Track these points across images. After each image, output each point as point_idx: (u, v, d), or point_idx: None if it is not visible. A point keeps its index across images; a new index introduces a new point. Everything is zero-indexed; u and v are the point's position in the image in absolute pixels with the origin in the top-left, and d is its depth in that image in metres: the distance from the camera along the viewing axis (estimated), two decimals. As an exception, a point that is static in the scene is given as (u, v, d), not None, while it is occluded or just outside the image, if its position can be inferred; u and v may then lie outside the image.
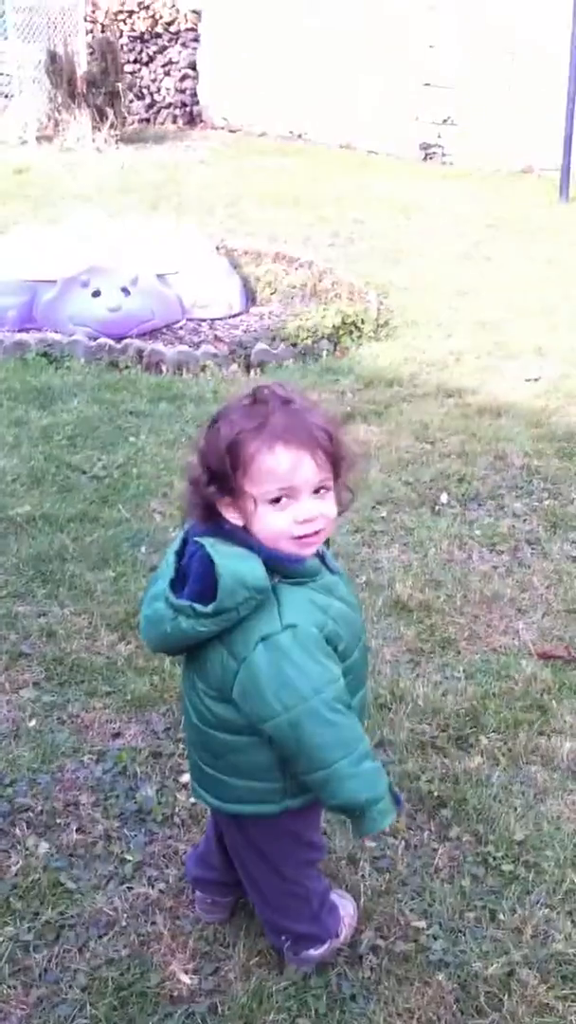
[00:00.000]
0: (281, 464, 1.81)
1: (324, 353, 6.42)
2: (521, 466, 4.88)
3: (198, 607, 1.84)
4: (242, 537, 1.87)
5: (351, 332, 6.69)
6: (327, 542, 2.00)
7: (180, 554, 1.95)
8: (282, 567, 1.88)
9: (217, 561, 1.82)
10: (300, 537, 1.87)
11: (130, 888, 2.52)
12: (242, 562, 1.83)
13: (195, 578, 1.88)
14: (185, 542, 1.95)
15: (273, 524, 1.84)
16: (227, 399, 1.93)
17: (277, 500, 1.84)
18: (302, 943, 2.26)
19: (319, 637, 1.89)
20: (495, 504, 4.56)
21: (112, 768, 2.93)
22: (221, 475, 1.84)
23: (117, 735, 3.08)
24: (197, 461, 1.89)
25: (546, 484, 4.72)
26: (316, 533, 1.89)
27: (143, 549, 4.08)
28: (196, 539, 1.89)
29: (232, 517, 1.88)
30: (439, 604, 3.76)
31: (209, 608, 1.83)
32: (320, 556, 1.98)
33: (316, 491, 1.86)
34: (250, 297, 7.62)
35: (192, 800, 2.79)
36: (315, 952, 2.27)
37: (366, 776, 1.95)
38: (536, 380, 5.99)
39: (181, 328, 6.99)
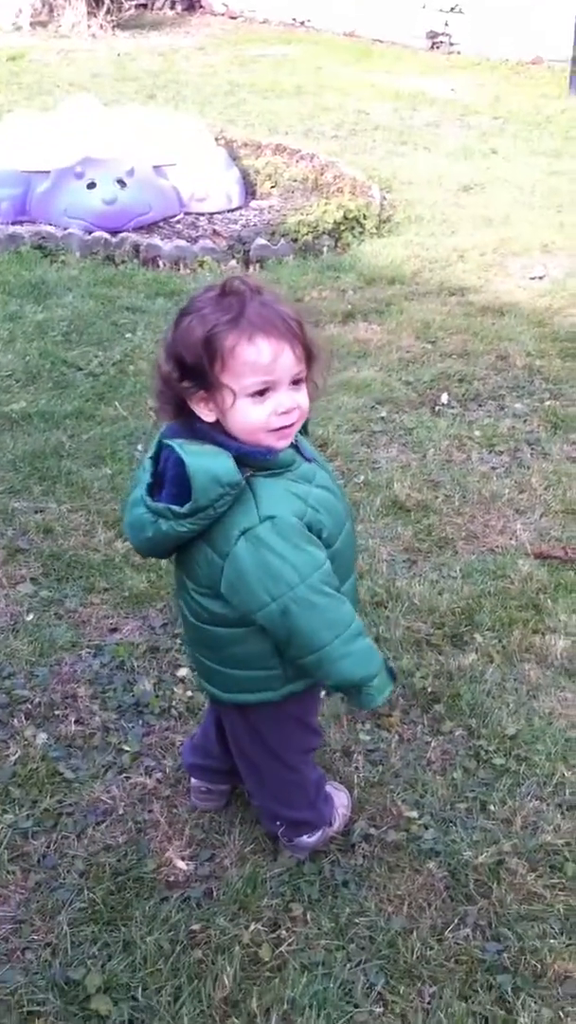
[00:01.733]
0: (263, 355, 1.79)
1: (325, 249, 6.30)
2: (523, 366, 4.83)
3: (175, 508, 1.83)
4: (212, 435, 1.85)
5: (353, 228, 6.55)
6: (304, 430, 1.99)
7: (156, 459, 1.93)
8: (254, 460, 1.86)
9: (187, 460, 1.80)
10: (278, 430, 1.85)
11: (128, 778, 2.56)
12: (213, 459, 1.81)
13: (170, 481, 1.86)
14: (160, 446, 1.94)
15: (252, 417, 1.82)
16: (192, 293, 1.88)
17: (259, 393, 1.82)
18: (297, 829, 2.31)
19: (299, 525, 1.88)
20: (496, 405, 4.52)
21: (110, 662, 2.95)
22: (196, 370, 1.81)
23: (114, 630, 3.10)
24: (167, 357, 1.85)
25: (548, 385, 4.67)
26: (291, 425, 1.87)
27: (140, 447, 4.06)
28: (166, 441, 1.87)
29: (204, 413, 1.86)
30: (437, 504, 3.75)
31: (185, 508, 1.83)
32: (295, 446, 1.96)
33: (293, 383, 1.85)
34: (249, 190, 7.44)
35: (189, 693, 2.83)
36: (309, 839, 2.31)
37: (360, 654, 1.97)
38: (541, 279, 5.89)
39: (179, 222, 6.83)
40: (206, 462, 1.80)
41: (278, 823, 2.30)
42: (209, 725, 2.39)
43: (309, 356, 1.87)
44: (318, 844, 2.34)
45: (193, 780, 2.47)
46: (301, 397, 1.87)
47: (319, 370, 1.90)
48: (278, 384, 1.82)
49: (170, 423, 1.92)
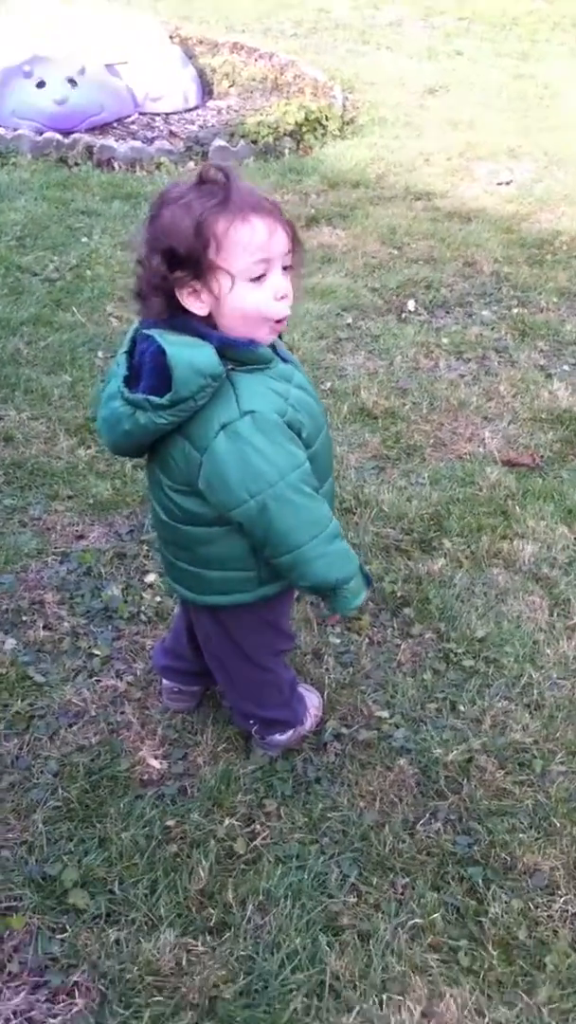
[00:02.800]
0: (259, 233, 1.74)
1: (287, 151, 6.16)
2: (491, 273, 4.78)
3: (154, 399, 1.79)
4: (194, 327, 1.81)
5: (315, 129, 6.40)
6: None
7: (131, 354, 1.88)
8: (236, 353, 1.82)
9: (169, 351, 1.76)
10: (277, 321, 1.81)
11: (98, 681, 2.55)
12: (195, 350, 1.77)
13: (149, 373, 1.81)
14: (135, 341, 1.88)
15: (252, 302, 1.78)
16: (162, 189, 1.82)
17: (257, 278, 1.77)
18: (270, 728, 2.32)
19: (280, 422, 1.85)
20: (463, 312, 4.48)
21: (77, 568, 2.92)
22: (190, 259, 1.75)
23: (81, 537, 3.07)
24: (152, 251, 1.79)
25: (515, 292, 4.63)
26: (285, 318, 1.84)
27: (100, 354, 3.98)
28: (146, 332, 1.82)
29: (196, 306, 1.81)
30: (404, 412, 3.73)
31: (165, 399, 1.78)
32: (272, 345, 1.92)
33: (283, 269, 1.80)
34: (206, 90, 7.23)
35: (158, 599, 2.81)
36: (281, 737, 2.33)
37: (336, 556, 1.96)
38: (508, 184, 5.81)
39: (133, 123, 6.64)
40: (188, 352, 1.76)
41: (251, 721, 2.32)
42: (180, 627, 2.38)
43: (294, 241, 1.82)
44: (290, 742, 2.36)
45: (164, 681, 2.47)
46: (290, 286, 1.83)
47: (301, 259, 1.85)
48: (273, 264, 1.78)
49: (147, 318, 1.86)
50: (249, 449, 1.81)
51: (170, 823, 2.17)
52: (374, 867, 2.13)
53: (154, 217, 1.78)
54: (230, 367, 1.81)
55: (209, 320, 1.81)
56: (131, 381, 1.85)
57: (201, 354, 1.76)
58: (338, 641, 2.71)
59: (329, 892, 2.07)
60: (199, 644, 2.28)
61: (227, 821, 2.19)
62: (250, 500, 1.84)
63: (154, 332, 1.78)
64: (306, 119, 6.37)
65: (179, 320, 1.81)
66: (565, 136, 6.57)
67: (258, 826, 2.20)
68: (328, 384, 3.86)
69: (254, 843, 2.16)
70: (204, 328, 1.80)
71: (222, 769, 2.30)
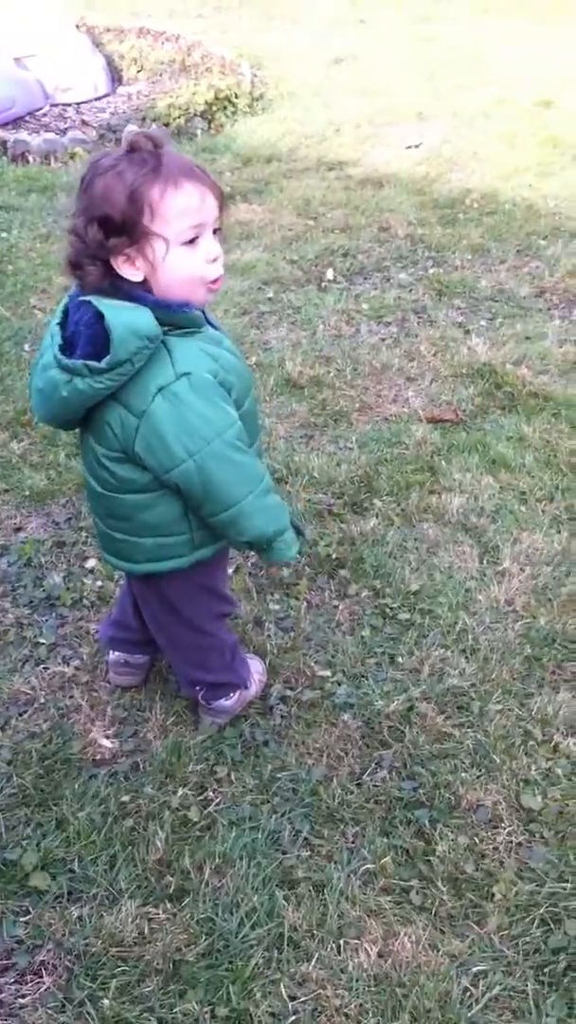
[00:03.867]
0: (192, 199, 1.79)
1: (199, 132, 6.18)
2: (405, 236, 4.84)
3: (92, 364, 1.82)
4: (129, 292, 1.85)
5: (225, 108, 6.42)
6: None
7: (63, 325, 1.92)
8: (170, 316, 1.87)
9: (107, 313, 1.78)
10: (213, 282, 1.87)
11: (46, 668, 2.60)
12: (132, 313, 1.82)
13: (85, 341, 1.83)
14: (67, 312, 1.92)
15: (187, 266, 1.83)
16: (90, 159, 1.85)
17: (191, 241, 1.82)
18: (216, 691, 2.38)
19: (214, 383, 1.91)
20: (381, 276, 4.54)
21: (17, 560, 2.96)
22: (125, 226, 1.79)
23: (19, 529, 3.10)
24: (88, 221, 1.80)
25: (431, 252, 4.70)
26: (220, 278, 1.90)
27: (26, 347, 4.00)
28: (83, 298, 1.86)
29: (131, 272, 1.85)
30: (329, 379, 3.79)
31: (103, 363, 1.80)
32: (202, 312, 1.97)
33: (214, 232, 1.87)
34: (115, 77, 7.22)
35: (100, 583, 2.86)
36: (228, 702, 2.40)
37: (271, 510, 2.03)
38: (417, 147, 5.87)
39: (45, 115, 6.61)
40: (125, 315, 1.80)
41: (197, 688, 2.37)
42: (125, 597, 2.43)
43: (222, 204, 1.89)
44: (236, 707, 2.42)
45: (112, 655, 2.52)
46: (220, 248, 1.89)
47: (226, 219, 1.92)
48: (205, 228, 1.84)
49: (83, 288, 1.90)
50: (185, 408, 1.86)
51: (125, 799, 2.23)
52: (324, 820, 2.20)
53: (87, 187, 1.81)
54: (165, 330, 1.86)
55: (144, 286, 1.85)
56: (65, 351, 1.89)
57: (139, 316, 1.80)
58: (278, 607, 2.77)
59: (283, 848, 2.14)
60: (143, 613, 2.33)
61: (180, 791, 2.25)
62: (188, 460, 1.89)
63: (91, 298, 1.82)
64: (216, 98, 6.39)
65: (114, 287, 1.85)
66: (471, 95, 6.64)
67: (211, 793, 2.26)
68: (253, 358, 3.91)
69: (208, 810, 2.22)
70: (139, 292, 1.84)
71: (172, 742, 2.36)
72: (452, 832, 2.17)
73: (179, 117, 6.18)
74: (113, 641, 2.49)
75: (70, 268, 1.86)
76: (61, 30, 7.09)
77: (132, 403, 1.88)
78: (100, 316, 1.80)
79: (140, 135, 1.83)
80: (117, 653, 2.51)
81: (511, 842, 2.16)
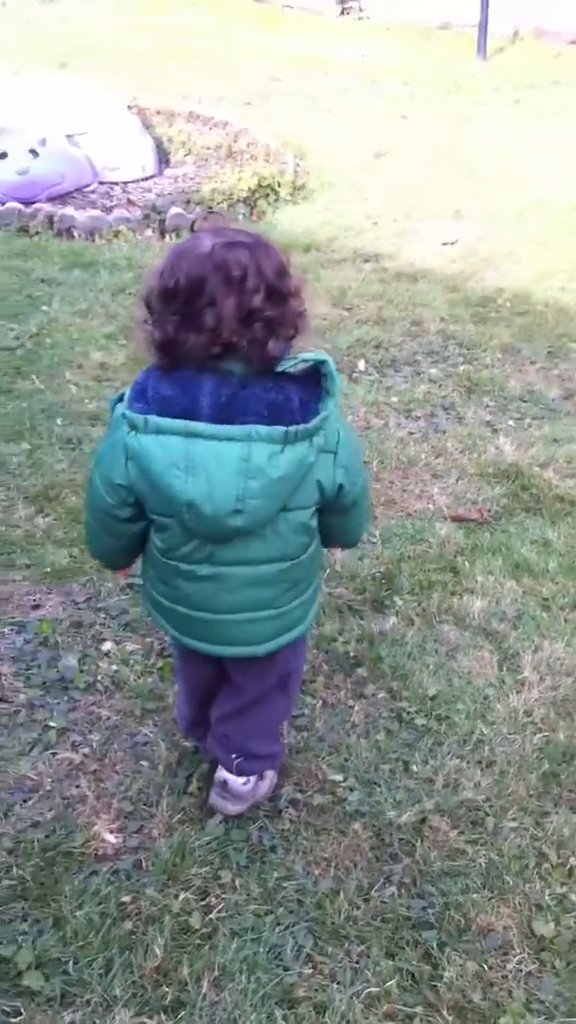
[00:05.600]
0: None
1: (240, 217, 6.27)
2: (437, 331, 4.88)
3: (313, 420, 1.89)
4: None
5: (267, 195, 6.54)
6: None
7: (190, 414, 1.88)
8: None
9: (327, 359, 1.89)
10: None
11: (54, 754, 2.56)
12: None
13: (264, 405, 1.86)
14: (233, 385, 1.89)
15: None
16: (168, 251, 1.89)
17: None
18: (260, 763, 2.39)
19: None
20: (412, 370, 4.57)
21: (33, 639, 2.94)
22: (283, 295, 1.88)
23: (37, 606, 3.08)
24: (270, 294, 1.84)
25: (462, 349, 4.73)
26: None
27: (59, 421, 4.02)
28: (309, 357, 1.89)
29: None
30: (356, 471, 3.78)
31: (327, 406, 1.91)
32: None
33: None
34: (163, 159, 7.37)
35: (114, 667, 2.83)
36: (264, 783, 2.43)
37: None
38: (453, 244, 5.95)
39: (93, 192, 6.75)
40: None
41: (236, 756, 2.34)
42: (195, 693, 2.42)
43: None
44: (267, 792, 2.45)
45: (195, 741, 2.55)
46: None
47: None
48: None
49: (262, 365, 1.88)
50: (344, 422, 2.02)
51: (125, 899, 2.17)
52: (329, 936, 2.14)
53: (269, 253, 1.86)
54: None
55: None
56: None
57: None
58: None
59: (284, 964, 2.07)
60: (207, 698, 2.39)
61: (182, 895, 2.19)
62: (364, 470, 2.11)
63: (301, 356, 1.89)
64: (259, 185, 6.51)
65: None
66: (508, 195, 6.75)
67: (213, 899, 2.20)
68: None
69: (209, 916, 2.16)
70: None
71: (177, 841, 2.30)
72: (461, 957, 2.10)
73: (222, 202, 6.30)
74: (191, 729, 2.53)
75: (253, 348, 1.85)
76: (113, 110, 7.28)
77: (327, 438, 1.95)
78: (274, 385, 1.87)
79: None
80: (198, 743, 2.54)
81: (521, 971, 2.08)
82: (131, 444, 1.90)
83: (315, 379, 1.92)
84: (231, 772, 2.35)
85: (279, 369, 1.88)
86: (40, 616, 3.03)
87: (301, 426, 1.87)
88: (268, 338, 1.84)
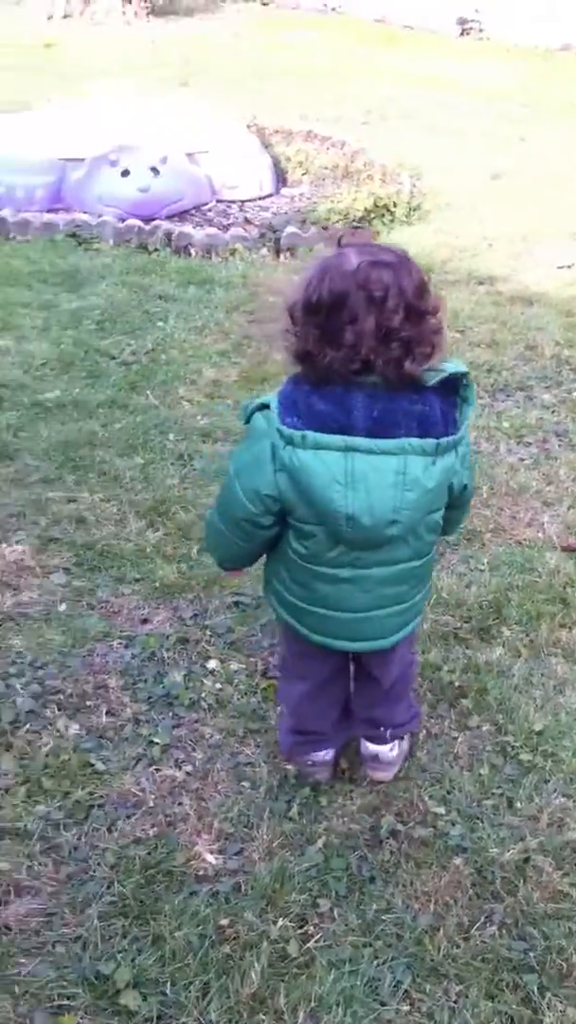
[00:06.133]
0: None
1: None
2: (551, 356, 4.81)
3: (458, 430, 1.99)
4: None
5: (383, 215, 6.53)
6: None
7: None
8: None
9: (463, 370, 1.97)
10: None
11: (158, 770, 2.58)
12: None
13: (413, 418, 1.95)
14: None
15: None
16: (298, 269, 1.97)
17: None
18: (409, 725, 2.59)
19: None
20: (524, 395, 4.51)
21: (140, 653, 2.97)
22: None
23: (145, 621, 3.12)
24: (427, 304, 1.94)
25: (576, 375, 4.65)
26: None
27: (171, 436, 4.08)
28: (451, 370, 1.97)
29: None
30: (465, 498, 3.74)
31: (468, 407, 2.00)
32: None
33: None
34: (280, 178, 7.43)
35: (219, 685, 2.84)
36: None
37: None
38: (569, 267, 5.86)
39: (210, 210, 6.84)
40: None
41: (385, 728, 2.52)
42: (315, 702, 2.49)
43: None
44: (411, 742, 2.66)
45: (300, 758, 2.57)
46: None
47: None
48: None
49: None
50: None
51: (224, 922, 2.18)
52: (428, 973, 2.11)
53: (410, 272, 1.94)
54: None
55: None
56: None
57: None
58: (396, 734, 2.70)
59: (382, 999, 2.05)
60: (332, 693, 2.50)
61: (280, 922, 2.18)
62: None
63: (443, 367, 1.96)
64: (375, 205, 6.51)
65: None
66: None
67: (311, 928, 2.19)
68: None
69: (307, 945, 2.15)
70: None
71: (277, 866, 2.30)
72: (561, 1003, 2.05)
73: (338, 221, 6.31)
74: (296, 747, 2.56)
75: (405, 361, 1.93)
76: (233, 129, 7.37)
77: (460, 444, 2.04)
78: (419, 397, 1.95)
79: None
80: (304, 757, 2.56)
81: (624, 1024, 2.02)
82: (286, 458, 1.98)
83: (451, 388, 1.99)
84: (384, 743, 2.52)
85: (428, 383, 1.94)
86: (148, 631, 3.07)
87: (450, 438, 1.97)
88: (405, 357, 1.90)
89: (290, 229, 6.24)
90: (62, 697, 2.80)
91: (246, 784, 2.55)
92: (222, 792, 2.52)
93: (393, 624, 2.27)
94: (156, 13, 13.66)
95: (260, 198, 7.06)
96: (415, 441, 1.94)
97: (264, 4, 14.89)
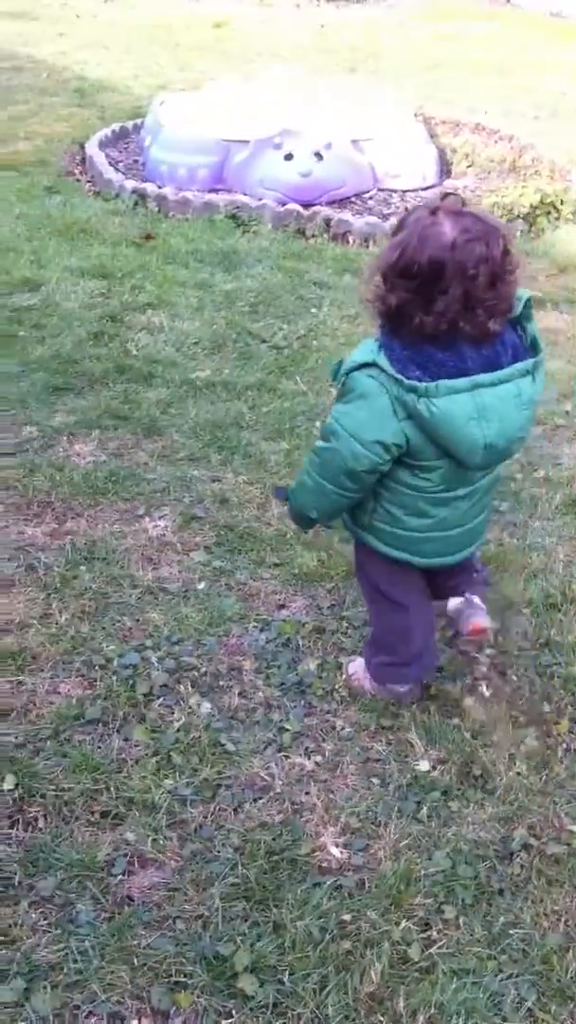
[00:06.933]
0: None
1: (519, 233, 6.13)
2: None
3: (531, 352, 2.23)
4: None
5: (549, 213, 6.36)
6: None
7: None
8: None
9: (527, 294, 2.21)
10: None
11: (287, 756, 2.55)
12: None
13: (509, 347, 2.19)
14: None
15: None
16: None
17: None
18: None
19: None
20: None
21: (276, 638, 2.95)
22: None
23: (282, 606, 3.10)
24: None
25: None
26: None
27: (317, 424, 4.04)
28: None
29: None
30: (621, 506, 3.60)
31: (530, 324, 2.24)
32: None
33: None
34: (445, 169, 7.30)
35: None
36: None
37: None
38: None
39: (371, 198, 6.77)
40: None
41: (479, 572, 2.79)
42: (424, 618, 2.69)
43: None
44: None
45: (400, 688, 2.72)
46: None
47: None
48: None
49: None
50: None
51: (345, 917, 2.13)
52: (554, 993, 2.02)
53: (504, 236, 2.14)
54: None
55: None
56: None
57: None
58: (535, 744, 2.61)
59: (504, 1015, 1.98)
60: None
61: (403, 923, 2.13)
62: None
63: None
64: (541, 202, 6.34)
65: None
66: None
67: (435, 933, 2.13)
68: (541, 472, 3.79)
69: (430, 951, 2.09)
70: None
71: (403, 867, 2.24)
72: None
73: (502, 216, 6.16)
74: (388, 672, 2.72)
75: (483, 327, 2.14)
76: (400, 118, 7.27)
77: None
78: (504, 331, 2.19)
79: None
80: (397, 683, 2.73)
81: None
82: (422, 408, 2.15)
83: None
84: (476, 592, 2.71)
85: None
86: (284, 617, 3.04)
87: (540, 355, 2.23)
88: (488, 320, 2.12)
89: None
90: (196, 675, 2.80)
91: (375, 780, 2.50)
92: (350, 786, 2.48)
93: (485, 527, 2.62)
94: (327, -2, 13.69)
95: (423, 189, 6.94)
96: (519, 365, 2.18)
97: (438, -6, 14.71)
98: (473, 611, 2.66)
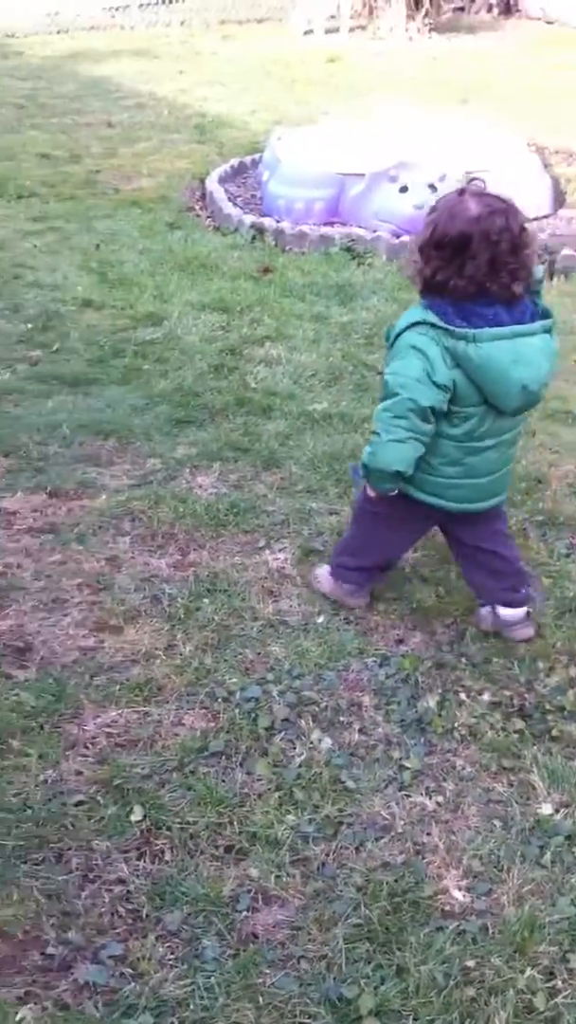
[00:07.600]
0: None
1: None
2: None
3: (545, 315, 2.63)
4: None
5: None
6: None
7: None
8: None
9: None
10: None
11: (407, 796, 2.55)
12: None
13: (530, 308, 2.60)
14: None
15: None
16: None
17: None
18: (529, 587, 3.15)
19: None
20: None
21: (395, 673, 2.95)
22: None
23: (400, 641, 3.10)
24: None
25: None
26: None
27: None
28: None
29: None
30: None
31: (539, 297, 2.64)
32: None
33: None
34: (559, 199, 7.23)
35: (473, 719, 2.78)
36: None
37: None
38: None
39: (485, 229, 6.73)
40: None
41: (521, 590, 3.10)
42: (413, 540, 3.23)
43: None
44: None
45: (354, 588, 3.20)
46: None
47: None
48: None
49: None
50: None
51: (469, 963, 2.11)
52: None
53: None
54: None
55: None
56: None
57: None
58: None
59: (633, 1071, 1.94)
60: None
61: (528, 971, 2.10)
62: None
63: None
64: None
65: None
66: None
67: (560, 982, 2.09)
68: None
69: (555, 1000, 2.06)
70: None
71: (527, 914, 2.22)
72: None
73: (618, 245, 6.10)
74: (352, 574, 3.19)
75: (508, 288, 2.54)
76: (514, 148, 7.24)
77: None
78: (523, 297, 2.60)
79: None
80: (361, 586, 3.21)
81: None
82: (470, 352, 2.53)
83: None
84: (520, 605, 3.08)
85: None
86: (403, 652, 3.04)
87: (552, 319, 2.62)
88: (512, 283, 2.50)
89: (566, 251, 6.08)
90: (316, 709, 2.81)
91: (497, 823, 2.48)
92: (472, 827, 2.46)
93: (510, 478, 2.97)
94: (438, 30, 13.67)
95: (536, 219, 6.88)
96: (545, 322, 2.59)
97: (549, 23, 14.61)
98: (522, 625, 3.09)
